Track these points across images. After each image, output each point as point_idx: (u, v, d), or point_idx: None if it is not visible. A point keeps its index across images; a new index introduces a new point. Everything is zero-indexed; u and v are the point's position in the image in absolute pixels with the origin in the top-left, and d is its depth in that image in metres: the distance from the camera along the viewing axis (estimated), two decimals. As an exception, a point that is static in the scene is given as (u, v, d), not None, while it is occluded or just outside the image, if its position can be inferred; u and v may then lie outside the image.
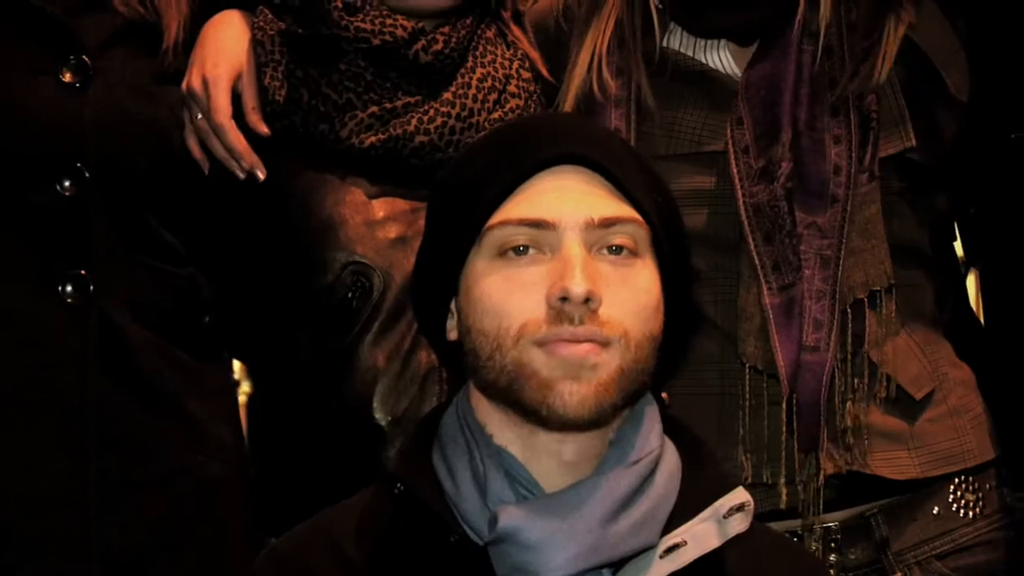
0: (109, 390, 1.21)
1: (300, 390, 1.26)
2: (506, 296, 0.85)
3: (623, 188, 0.86)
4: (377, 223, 1.20)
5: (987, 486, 1.20)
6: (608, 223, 0.84)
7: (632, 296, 0.85)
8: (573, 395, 0.81)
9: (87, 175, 1.19)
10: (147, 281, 1.25)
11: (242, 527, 1.29)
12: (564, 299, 0.81)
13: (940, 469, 1.17)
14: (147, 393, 1.22)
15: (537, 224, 0.84)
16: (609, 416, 0.85)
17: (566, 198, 0.85)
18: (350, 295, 1.19)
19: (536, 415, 0.83)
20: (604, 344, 0.83)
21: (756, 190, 1.13)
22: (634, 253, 0.86)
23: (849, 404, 1.15)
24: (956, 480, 1.18)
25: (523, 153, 0.87)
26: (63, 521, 1.17)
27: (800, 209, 1.12)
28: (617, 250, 0.85)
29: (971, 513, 1.18)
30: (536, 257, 0.85)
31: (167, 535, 1.23)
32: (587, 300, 0.80)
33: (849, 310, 1.14)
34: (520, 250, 0.85)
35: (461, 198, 0.89)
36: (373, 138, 1.20)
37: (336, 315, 1.20)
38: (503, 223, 0.84)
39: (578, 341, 0.82)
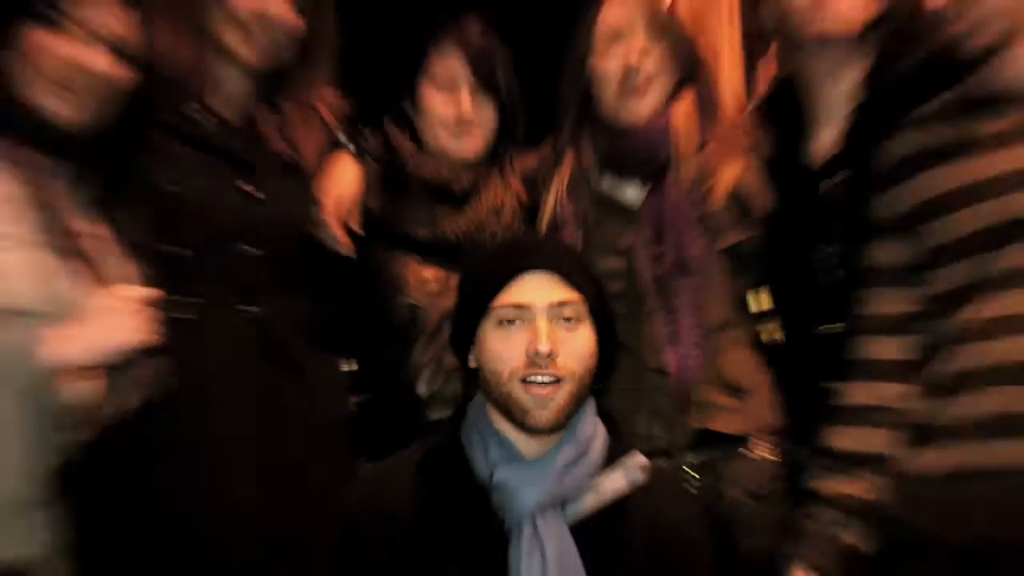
0: (269, 368, 1.76)
1: (379, 376, 1.94)
2: (503, 350, 1.36)
3: (571, 282, 1.38)
4: (425, 281, 1.92)
5: (776, 440, 1.79)
6: (562, 304, 1.36)
7: (577, 348, 1.37)
8: (540, 417, 1.33)
9: (261, 247, 1.77)
10: (298, 304, 1.85)
11: (346, 449, 1.87)
12: (536, 353, 1.33)
13: (756, 425, 1.78)
14: (293, 371, 1.79)
15: (520, 307, 1.36)
16: (563, 423, 1.35)
17: (536, 291, 1.37)
18: (408, 322, 1.91)
19: (521, 425, 1.35)
20: (559, 381, 1.33)
21: (653, 266, 1.79)
22: (579, 320, 1.38)
23: (708, 390, 1.76)
24: (761, 435, 1.78)
25: (511, 264, 1.40)
26: (247, 441, 1.71)
27: (679, 276, 1.78)
28: (568, 320, 1.37)
29: (769, 453, 1.78)
30: (520, 326, 1.36)
31: (308, 449, 1.78)
32: (549, 354, 1.32)
33: (712, 334, 1.78)
34: (510, 322, 1.37)
35: (476, 290, 1.42)
36: (425, 233, 1.91)
37: (400, 333, 1.91)
38: (501, 306, 1.37)
39: (544, 384, 1.32)
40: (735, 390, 1.79)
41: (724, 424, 1.77)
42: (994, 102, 1.44)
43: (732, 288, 1.83)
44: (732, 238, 1.80)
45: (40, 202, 1.48)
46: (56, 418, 1.41)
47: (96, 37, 1.49)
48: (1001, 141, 1.42)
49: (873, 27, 1.67)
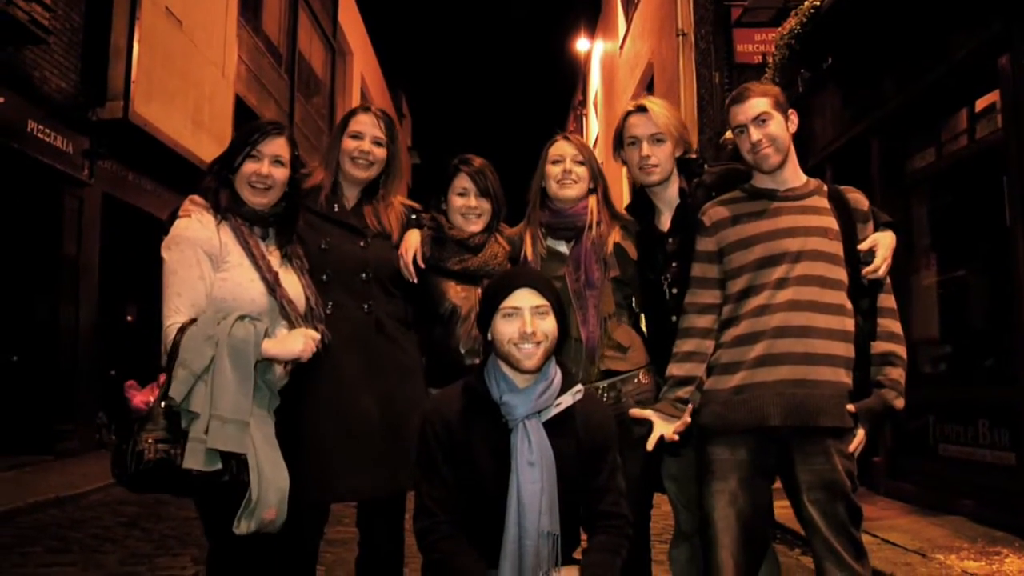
0: (379, 340, 2.97)
1: (437, 344, 3.05)
2: (506, 330, 2.38)
3: (543, 294, 2.42)
4: (457, 291, 3.02)
5: (650, 372, 2.97)
6: (538, 306, 2.41)
7: (547, 328, 2.40)
8: (528, 365, 2.37)
9: (370, 274, 2.99)
10: (392, 305, 3.04)
11: (422, 382, 3.03)
12: (524, 333, 2.37)
13: (636, 366, 2.95)
14: (391, 340, 2.99)
15: (515, 307, 2.40)
16: (539, 368, 2.39)
17: (524, 298, 2.41)
18: (450, 314, 3.01)
19: (516, 369, 2.38)
20: (539, 344, 2.37)
21: (574, 285, 2.94)
22: (547, 314, 2.41)
23: (605, 349, 2.91)
24: (642, 370, 2.96)
25: (512, 284, 2.45)
26: (361, 377, 2.89)
27: (587, 290, 2.92)
28: (542, 314, 2.40)
29: (647, 380, 2.94)
30: (515, 317, 2.39)
31: (398, 381, 2.96)
32: (532, 333, 2.36)
33: (605, 319, 2.93)
34: (510, 315, 2.40)
35: (492, 297, 2.45)
36: (458, 267, 3.06)
37: (448, 320, 3.01)
38: (505, 307, 2.40)
39: (530, 347, 2.36)
40: (620, 348, 2.98)
41: (615, 365, 2.96)
42: (767, 194, 2.75)
43: (617, 295, 3.02)
44: (614, 272, 3.02)
45: (247, 247, 2.66)
46: (260, 376, 2.52)
47: (273, 160, 2.74)
48: (769, 214, 2.70)
49: (679, 166, 3.07)
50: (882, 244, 2.66)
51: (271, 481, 2.48)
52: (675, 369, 2.74)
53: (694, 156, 3.13)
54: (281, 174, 2.75)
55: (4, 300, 9.85)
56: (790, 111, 2.75)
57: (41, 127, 9.22)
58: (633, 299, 3.09)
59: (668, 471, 3.04)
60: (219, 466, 2.39)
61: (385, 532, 3.04)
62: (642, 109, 3.03)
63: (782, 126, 2.71)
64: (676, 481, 3.04)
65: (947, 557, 4.95)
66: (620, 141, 3.10)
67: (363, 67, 25.62)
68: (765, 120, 2.68)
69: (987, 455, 5.98)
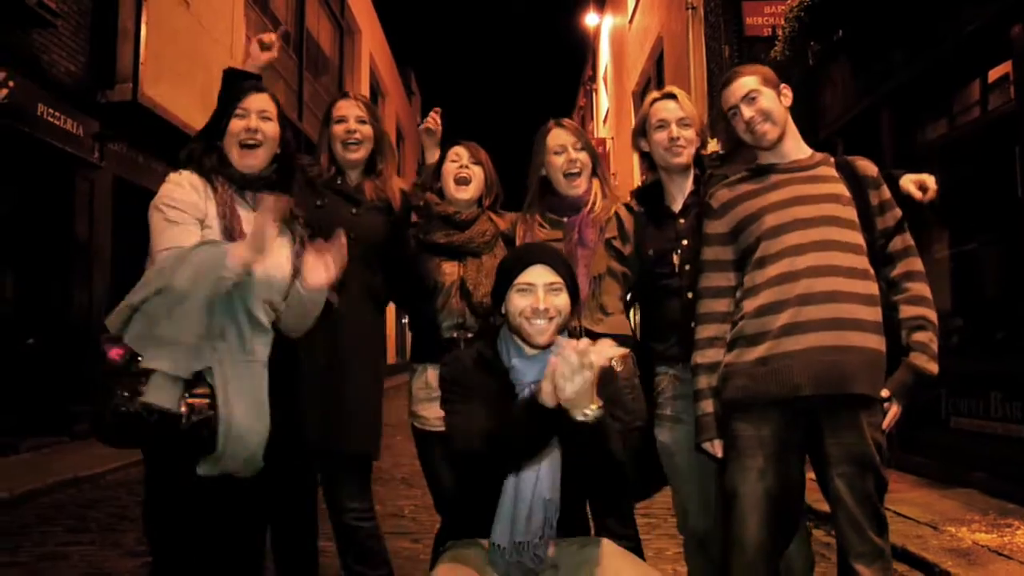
0: (362, 308, 3.16)
1: (421, 319, 3.23)
2: (520, 305, 2.34)
3: (558, 272, 2.39)
4: (441, 268, 3.18)
5: (626, 362, 2.93)
6: (552, 283, 2.36)
7: (560, 304, 2.36)
8: (539, 340, 2.33)
9: (352, 236, 2.77)
10: (366, 274, 3.15)
11: (381, 358, 3.34)
12: (537, 309, 2.33)
13: (612, 330, 2.96)
14: (352, 300, 3.06)
15: (530, 284, 2.36)
16: (550, 344, 2.34)
17: (539, 275, 2.37)
18: (433, 288, 3.16)
19: (527, 343, 2.36)
20: (551, 319, 2.33)
21: (567, 245, 3.05)
22: (560, 291, 2.37)
23: (591, 311, 3.02)
24: (617, 357, 2.71)
25: (527, 260, 2.40)
26: (327, 351, 3.04)
27: (579, 248, 3.05)
28: (555, 291, 2.36)
29: (620, 368, 2.76)
30: (529, 293, 2.35)
31: (348, 341, 3.10)
32: (545, 310, 2.31)
33: (596, 279, 3.03)
34: (524, 290, 2.36)
35: (508, 272, 2.41)
36: (443, 240, 3.19)
37: (432, 296, 3.16)
38: (519, 282, 2.36)
39: (542, 323, 2.31)
40: (603, 310, 3.08)
41: (592, 326, 3.03)
42: (771, 169, 2.76)
43: (610, 261, 3.12)
44: (611, 233, 3.14)
45: (223, 204, 2.61)
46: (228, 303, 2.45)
47: (260, 115, 2.72)
48: (776, 186, 2.71)
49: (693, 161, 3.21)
50: (923, 175, 2.76)
51: (243, 435, 2.39)
52: (699, 358, 2.75)
53: (705, 153, 3.25)
54: (270, 128, 2.73)
55: (18, 284, 9.90)
56: (782, 86, 2.77)
57: (51, 110, 9.23)
58: (628, 289, 3.21)
59: (679, 471, 3.07)
60: (183, 407, 2.31)
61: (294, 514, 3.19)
62: (670, 96, 3.19)
63: (774, 100, 2.72)
64: (679, 473, 3.07)
65: (958, 529, 4.96)
66: (643, 128, 3.21)
67: (372, 45, 25.53)
68: (755, 97, 2.71)
69: (999, 428, 5.99)
